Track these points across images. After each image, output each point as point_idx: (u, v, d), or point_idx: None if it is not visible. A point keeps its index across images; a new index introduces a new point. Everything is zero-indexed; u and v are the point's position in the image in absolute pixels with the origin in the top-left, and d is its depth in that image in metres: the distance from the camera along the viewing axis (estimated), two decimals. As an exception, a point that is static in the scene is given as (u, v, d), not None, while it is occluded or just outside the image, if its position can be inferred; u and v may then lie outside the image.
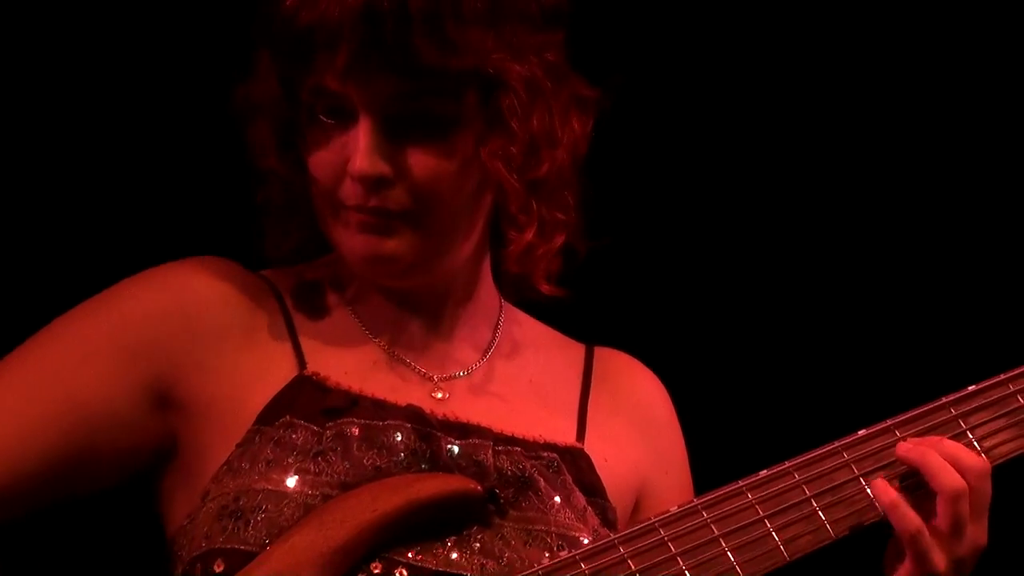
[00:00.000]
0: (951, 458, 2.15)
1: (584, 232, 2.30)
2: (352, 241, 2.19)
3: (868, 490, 2.16)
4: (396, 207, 2.15)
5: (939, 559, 2.15)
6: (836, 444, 2.18)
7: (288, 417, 2.16)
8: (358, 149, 2.13)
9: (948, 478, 2.14)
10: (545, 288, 2.29)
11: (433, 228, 2.19)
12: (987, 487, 2.17)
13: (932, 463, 2.16)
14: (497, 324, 2.35)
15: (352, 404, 2.18)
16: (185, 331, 2.21)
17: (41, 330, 2.22)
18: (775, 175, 3.36)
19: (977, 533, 2.15)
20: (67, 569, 2.20)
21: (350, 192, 2.16)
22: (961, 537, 2.15)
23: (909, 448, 2.18)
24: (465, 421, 2.23)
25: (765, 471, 2.17)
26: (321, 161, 2.17)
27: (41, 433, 2.17)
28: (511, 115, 2.16)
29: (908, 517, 2.15)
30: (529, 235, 2.21)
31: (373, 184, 2.14)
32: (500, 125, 2.16)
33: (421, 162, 2.14)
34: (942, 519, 2.15)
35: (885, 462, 2.18)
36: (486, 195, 2.24)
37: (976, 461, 2.16)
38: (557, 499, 2.20)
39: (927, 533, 2.15)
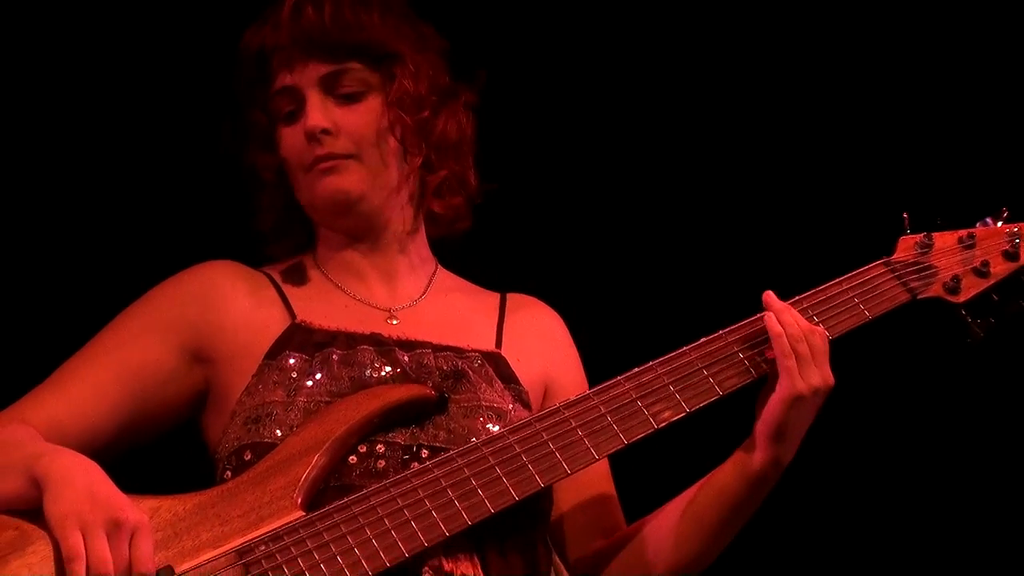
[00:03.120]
0: (795, 318, 2.58)
1: (478, 194, 2.79)
2: (318, 186, 2.68)
3: (711, 380, 2.53)
4: (342, 150, 2.67)
5: (802, 384, 2.54)
6: (686, 348, 2.58)
7: (287, 352, 2.61)
8: (307, 113, 2.67)
9: (771, 325, 2.57)
10: (461, 223, 2.80)
11: (371, 165, 2.68)
12: (823, 344, 2.58)
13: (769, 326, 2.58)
14: (433, 275, 2.80)
15: (332, 338, 2.62)
16: (206, 307, 2.66)
17: (108, 323, 2.67)
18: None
19: (822, 377, 2.56)
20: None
21: (308, 152, 2.67)
22: (809, 369, 2.55)
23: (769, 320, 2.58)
24: (412, 338, 2.66)
25: (637, 368, 2.56)
26: (288, 144, 2.71)
27: (111, 392, 2.59)
28: (404, 75, 2.70)
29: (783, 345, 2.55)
30: (417, 162, 2.72)
31: (321, 134, 2.66)
32: (396, 83, 2.70)
33: (350, 118, 2.68)
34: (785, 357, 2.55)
35: (723, 355, 2.60)
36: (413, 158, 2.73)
37: (815, 327, 2.60)
38: (483, 384, 2.61)
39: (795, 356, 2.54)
